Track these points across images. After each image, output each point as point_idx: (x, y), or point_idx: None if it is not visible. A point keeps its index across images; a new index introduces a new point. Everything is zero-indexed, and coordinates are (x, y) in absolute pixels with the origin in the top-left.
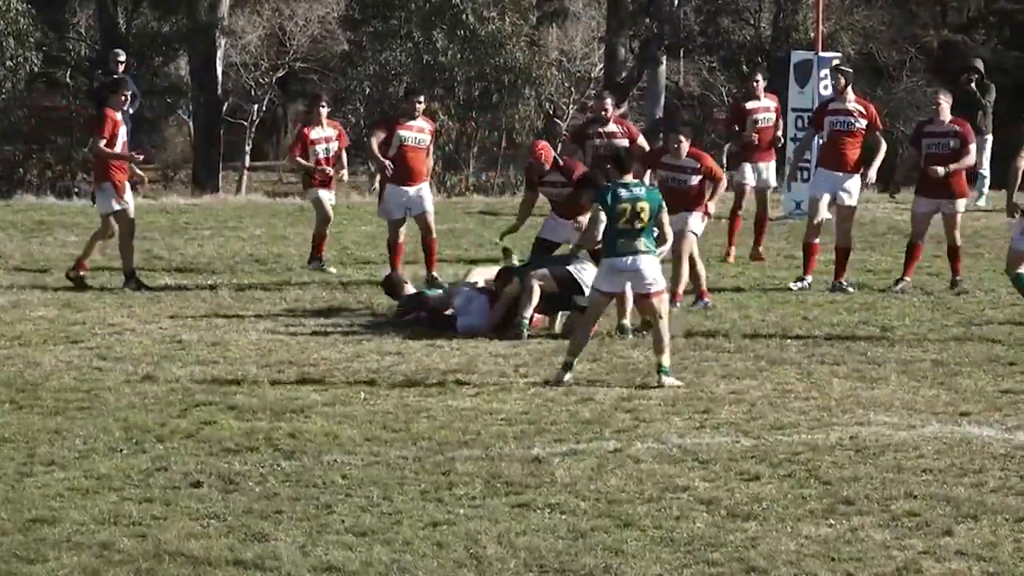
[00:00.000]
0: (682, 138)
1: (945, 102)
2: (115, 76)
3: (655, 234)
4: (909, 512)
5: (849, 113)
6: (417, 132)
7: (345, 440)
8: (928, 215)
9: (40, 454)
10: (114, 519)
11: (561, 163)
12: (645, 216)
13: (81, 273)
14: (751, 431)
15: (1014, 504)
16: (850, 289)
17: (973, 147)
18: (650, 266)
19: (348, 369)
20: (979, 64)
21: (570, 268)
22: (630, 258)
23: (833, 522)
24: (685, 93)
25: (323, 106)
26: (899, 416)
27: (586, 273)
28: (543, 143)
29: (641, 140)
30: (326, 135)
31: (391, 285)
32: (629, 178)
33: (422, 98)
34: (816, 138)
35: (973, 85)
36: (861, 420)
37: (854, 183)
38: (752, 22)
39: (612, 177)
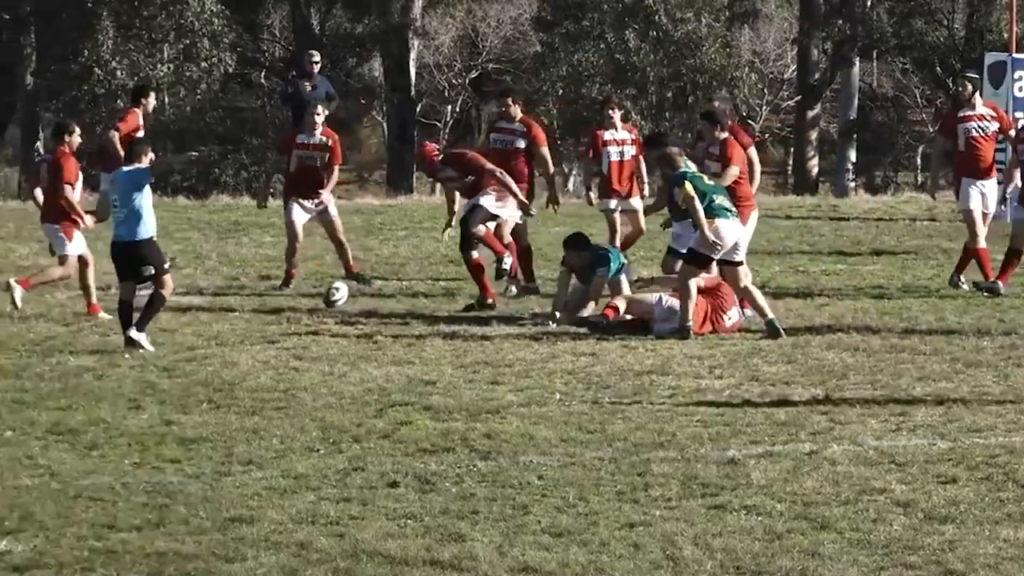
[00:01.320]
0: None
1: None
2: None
3: None
4: None
5: (983, 118)
6: (507, 135)
7: (541, 441)
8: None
9: (238, 453)
10: (312, 518)
11: (455, 156)
12: None
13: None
14: (948, 433)
15: None
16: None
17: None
18: None
19: (543, 370)
20: None
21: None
22: None
23: None
24: (878, 95)
25: (613, 108)
26: None
27: None
28: (428, 147)
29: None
30: (619, 138)
31: None
32: None
33: (510, 99)
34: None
35: None
36: None
37: (994, 188)
38: (945, 23)
39: None
